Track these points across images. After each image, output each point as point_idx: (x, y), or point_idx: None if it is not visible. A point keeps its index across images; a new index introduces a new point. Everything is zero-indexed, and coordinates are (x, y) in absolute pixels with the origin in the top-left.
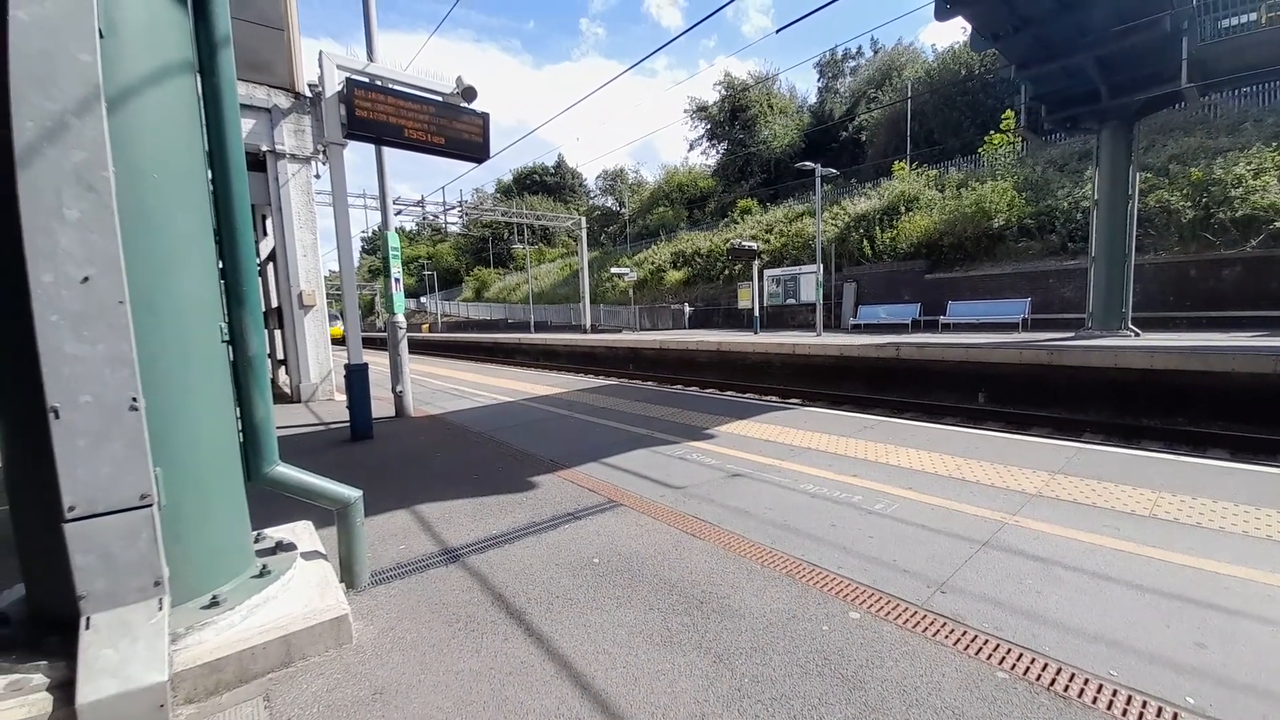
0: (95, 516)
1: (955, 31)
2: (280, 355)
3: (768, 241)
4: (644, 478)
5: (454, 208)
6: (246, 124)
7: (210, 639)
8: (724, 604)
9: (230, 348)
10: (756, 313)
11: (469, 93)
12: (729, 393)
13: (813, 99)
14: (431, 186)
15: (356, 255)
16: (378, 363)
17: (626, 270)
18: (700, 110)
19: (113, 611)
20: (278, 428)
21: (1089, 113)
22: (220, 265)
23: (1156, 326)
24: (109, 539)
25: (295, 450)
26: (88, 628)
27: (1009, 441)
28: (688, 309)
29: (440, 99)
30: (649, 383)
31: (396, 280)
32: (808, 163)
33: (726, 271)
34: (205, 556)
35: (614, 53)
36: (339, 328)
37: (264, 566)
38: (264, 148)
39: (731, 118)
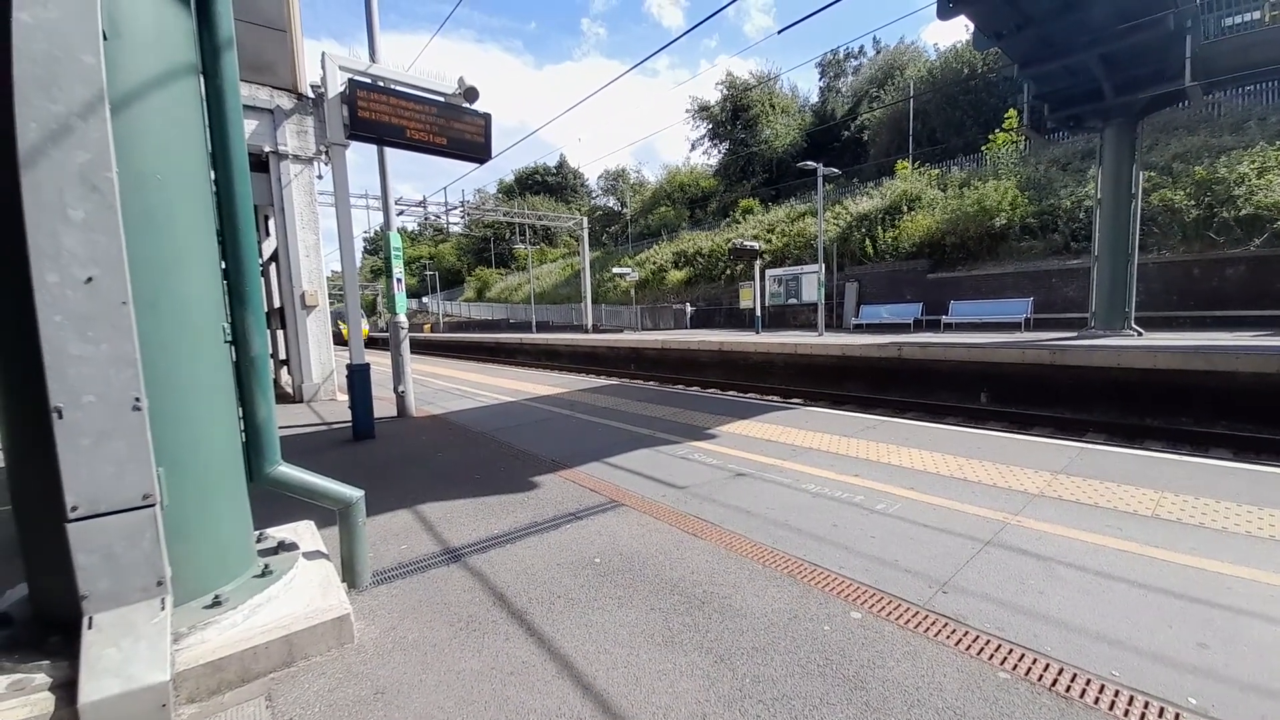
0: (98, 516)
1: (958, 30)
2: (283, 355)
3: (769, 241)
4: (646, 477)
5: (456, 208)
6: (249, 125)
7: (212, 638)
8: (725, 604)
9: (233, 348)
10: (758, 312)
11: (471, 93)
12: (731, 393)
13: (815, 98)
14: (433, 187)
15: (359, 255)
16: (379, 363)
17: (628, 270)
18: (702, 110)
19: (115, 611)
20: (280, 428)
21: (1092, 111)
22: (223, 265)
23: (1160, 326)
24: (111, 539)
25: (297, 450)
26: (90, 627)
27: (1011, 441)
28: (689, 309)
29: (442, 99)
30: (651, 383)
31: (398, 280)
32: (809, 162)
33: (728, 271)
34: (207, 556)
35: (615, 53)
36: (367, 328)
37: (266, 566)
38: (267, 148)
39: (733, 117)
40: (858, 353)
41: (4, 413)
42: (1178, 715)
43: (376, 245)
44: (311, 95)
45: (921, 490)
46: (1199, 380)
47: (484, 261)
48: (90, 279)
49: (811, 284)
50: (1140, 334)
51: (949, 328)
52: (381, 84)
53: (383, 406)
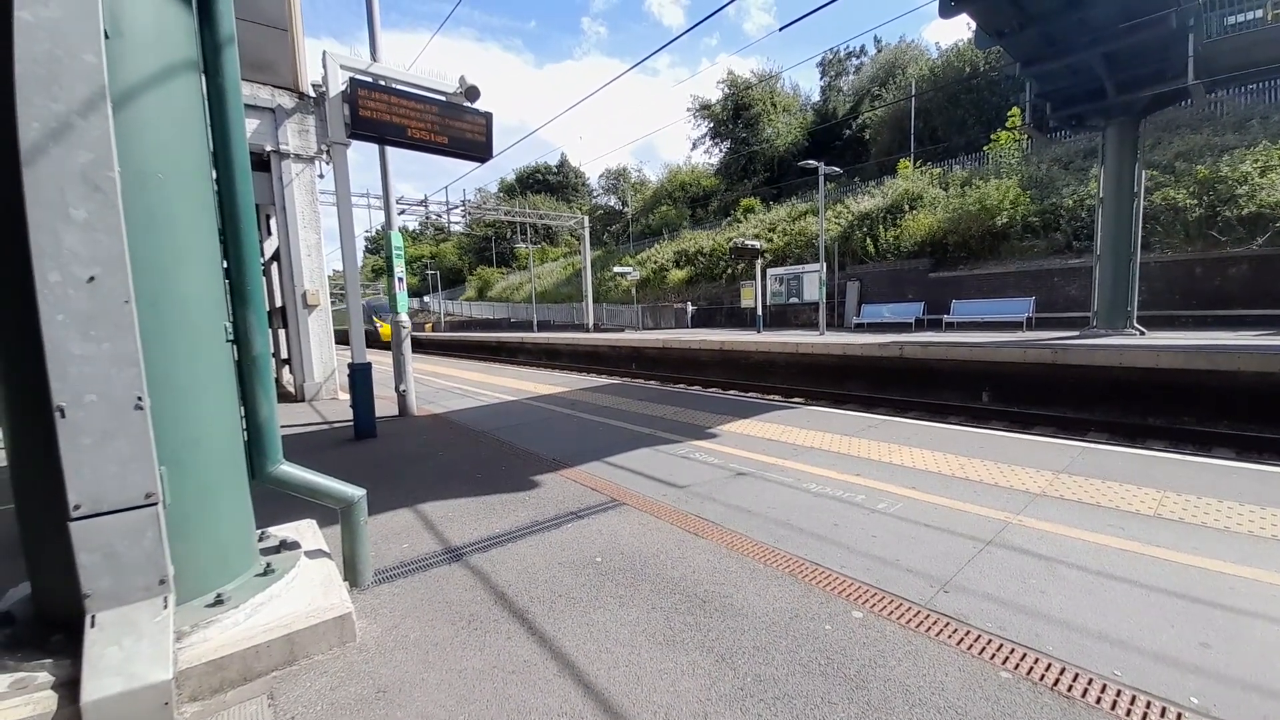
0: (100, 515)
1: (959, 29)
2: (284, 354)
3: (771, 240)
4: (647, 477)
5: (457, 207)
6: (251, 124)
7: (214, 637)
8: (727, 603)
9: (235, 347)
10: (759, 312)
11: (472, 92)
12: (732, 392)
13: (816, 97)
14: (435, 186)
15: (360, 255)
16: (381, 362)
17: (629, 269)
18: (703, 109)
19: (117, 610)
20: (281, 426)
21: (1094, 110)
22: (225, 265)
23: (1162, 325)
24: (114, 537)
25: (299, 449)
26: (93, 626)
27: (1013, 441)
28: (690, 308)
29: (443, 98)
30: (652, 382)
31: (400, 280)
32: (811, 161)
33: (729, 270)
34: (209, 555)
35: (616, 51)
36: (388, 326)
37: (268, 565)
38: (268, 148)
39: (734, 116)
40: (859, 352)
41: (7, 412)
42: (1180, 715)
43: (378, 244)
44: (313, 94)
45: (923, 490)
46: (1201, 380)
47: (485, 261)
48: (92, 278)
49: (813, 283)
50: (1142, 333)
51: (951, 327)
52: (383, 83)
53: (384, 405)
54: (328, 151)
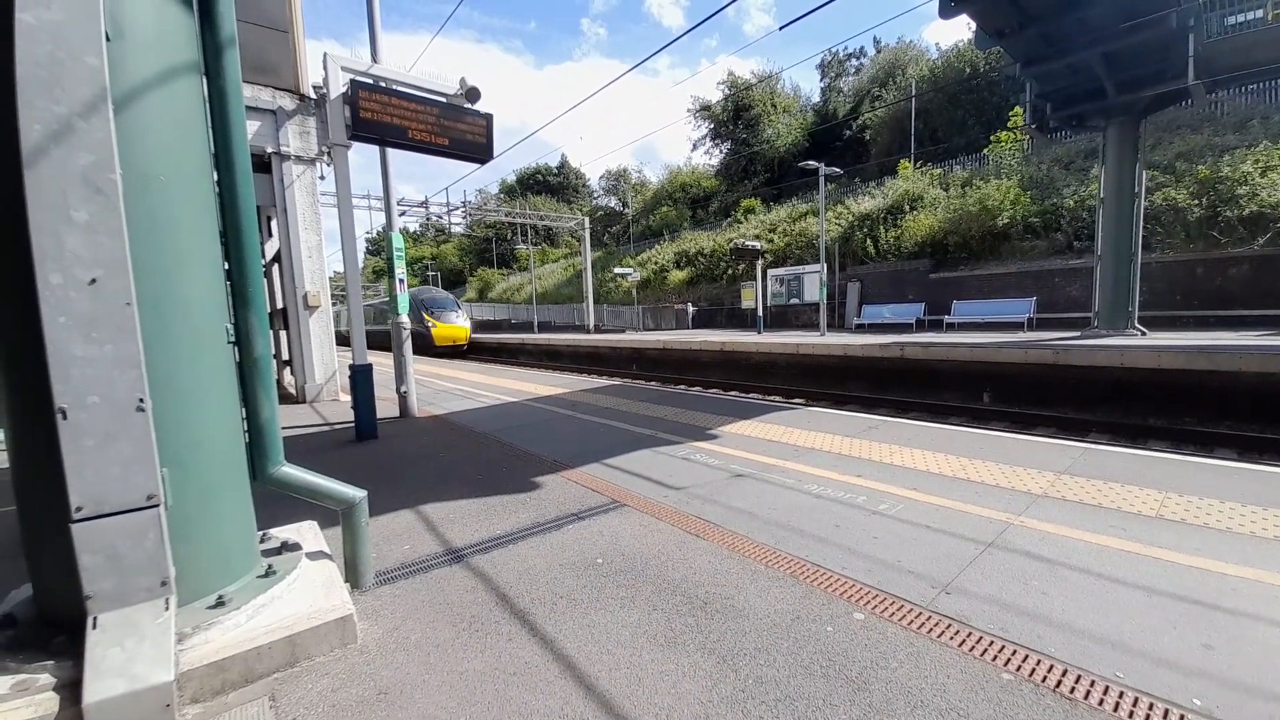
0: (102, 517)
1: (959, 29)
2: (285, 356)
3: (771, 241)
4: (648, 478)
5: (458, 208)
6: (252, 126)
7: (216, 639)
8: (728, 605)
9: (236, 349)
10: (760, 313)
11: (473, 93)
12: (733, 393)
13: (816, 98)
14: (435, 187)
15: (361, 256)
16: (382, 363)
17: (630, 270)
18: (703, 109)
19: (119, 611)
20: (283, 428)
21: (1095, 110)
22: (226, 266)
23: (1163, 325)
24: (116, 539)
25: (300, 450)
26: (94, 628)
27: (1014, 441)
28: (691, 309)
29: (444, 100)
30: (652, 383)
31: (401, 281)
32: (811, 162)
33: (730, 271)
34: (211, 556)
35: (615, 52)
36: (450, 326)
37: (269, 566)
38: (269, 149)
39: (735, 117)
40: (860, 353)
41: (9, 414)
42: (1182, 717)
43: (379, 246)
44: (314, 96)
45: (924, 491)
46: (1203, 380)
47: (486, 262)
48: (94, 280)
49: (813, 284)
50: (1143, 334)
51: (951, 328)
52: (383, 84)
53: (385, 407)
54: (329, 153)
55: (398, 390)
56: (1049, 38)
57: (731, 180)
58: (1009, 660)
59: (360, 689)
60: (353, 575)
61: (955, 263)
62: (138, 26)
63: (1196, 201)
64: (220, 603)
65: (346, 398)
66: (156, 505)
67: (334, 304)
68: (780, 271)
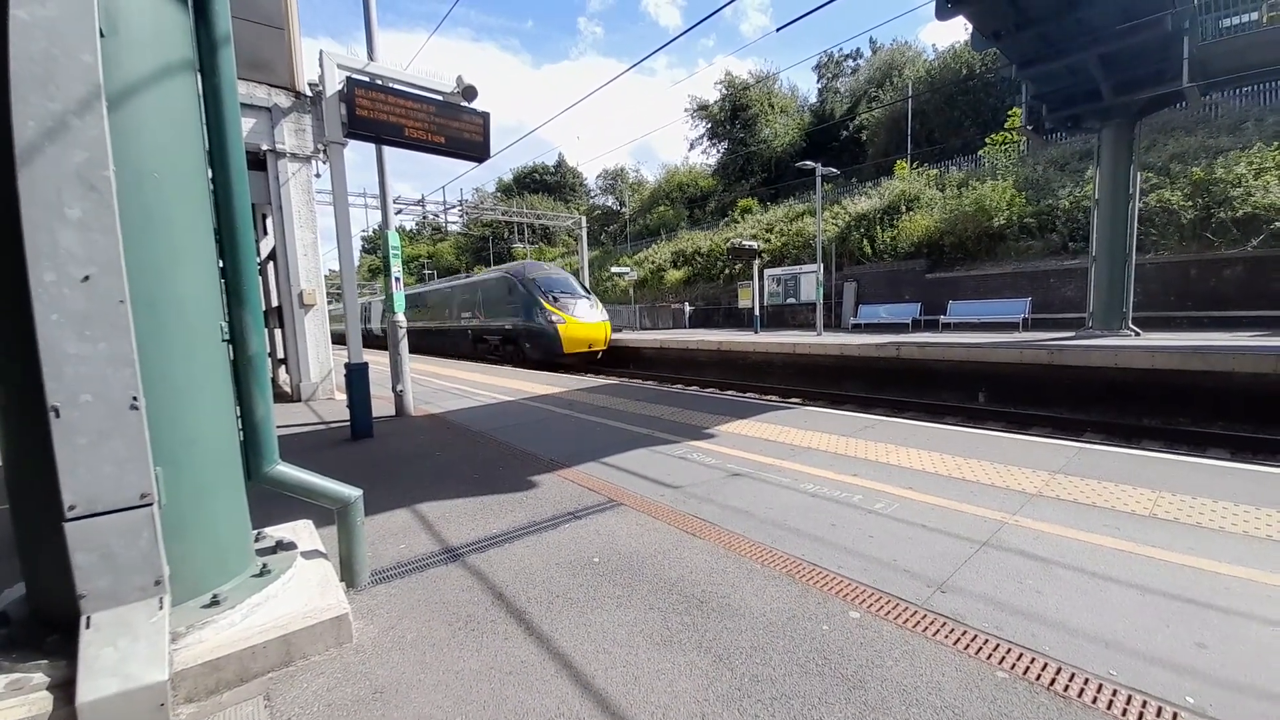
0: (96, 515)
1: (956, 30)
2: (280, 354)
3: (768, 241)
4: (644, 477)
5: (454, 207)
6: (247, 123)
7: (210, 638)
8: (724, 603)
9: (230, 347)
10: (757, 312)
11: (469, 92)
12: (729, 392)
13: (813, 98)
14: (432, 185)
15: (357, 254)
16: (378, 362)
17: (627, 269)
18: (701, 109)
19: (113, 610)
20: (278, 427)
21: (1090, 111)
22: (221, 264)
23: (1157, 326)
24: (109, 538)
25: (295, 449)
26: (88, 627)
27: (1010, 441)
28: (688, 308)
29: (440, 98)
30: (649, 382)
31: (397, 279)
32: (808, 162)
33: (727, 271)
34: (205, 555)
35: (612, 51)
36: (594, 324)
37: (264, 565)
38: (264, 147)
39: (732, 117)
40: (856, 352)
41: (1, 412)
42: (1175, 715)
43: (375, 244)
44: (309, 93)
45: (920, 490)
46: (1196, 380)
47: (483, 260)
48: (87, 278)
49: (810, 284)
50: (1138, 334)
51: (947, 328)
52: (380, 82)
53: (381, 406)
54: (324, 151)
55: (394, 389)
56: (1045, 39)
57: (729, 180)
58: (1004, 659)
59: (355, 688)
60: (348, 574)
61: (951, 263)
62: (132, 23)
63: (1191, 203)
64: (215, 602)
65: (342, 396)
66: (150, 504)
67: (330, 302)
68: (777, 271)
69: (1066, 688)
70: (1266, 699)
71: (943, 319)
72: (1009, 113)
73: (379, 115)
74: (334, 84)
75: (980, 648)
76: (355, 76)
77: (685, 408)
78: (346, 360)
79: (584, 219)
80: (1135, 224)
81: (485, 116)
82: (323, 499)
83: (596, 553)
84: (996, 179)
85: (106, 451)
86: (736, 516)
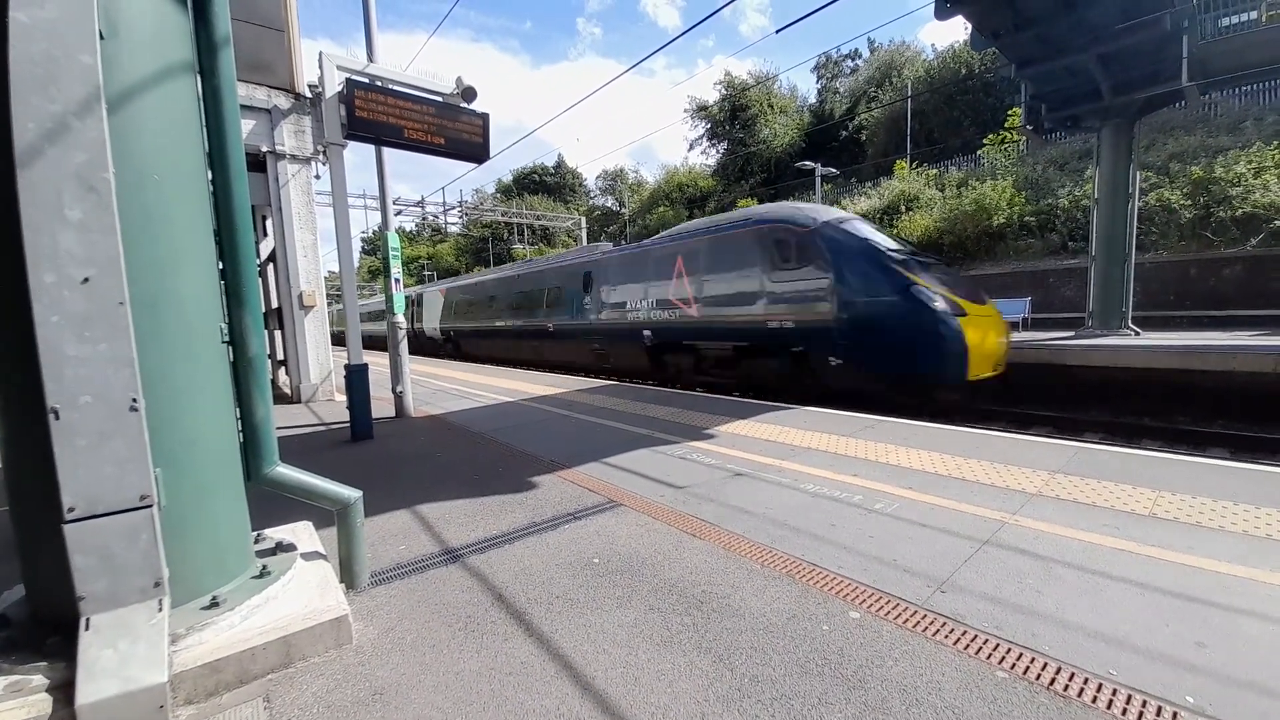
0: (95, 517)
1: (955, 30)
2: (280, 356)
3: None
4: (644, 477)
5: (454, 208)
6: (247, 125)
7: (210, 640)
8: (724, 604)
9: (230, 348)
10: None
11: (469, 93)
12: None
13: (813, 98)
14: (431, 187)
15: (356, 256)
16: (378, 363)
17: None
18: (701, 110)
19: (113, 612)
20: (278, 428)
21: (1090, 111)
22: (220, 266)
23: (1157, 325)
24: (109, 540)
25: (295, 450)
26: (88, 629)
27: (1009, 441)
28: None
29: (440, 99)
30: (649, 382)
31: (397, 281)
32: (808, 162)
33: None
34: (205, 557)
35: (611, 52)
36: None
37: (264, 567)
38: (264, 148)
39: (731, 117)
40: None
41: (1, 414)
42: (1176, 714)
43: (374, 245)
44: (309, 95)
45: (919, 490)
46: (1196, 379)
47: (482, 261)
48: (87, 279)
49: None
50: (1137, 333)
51: None
52: (379, 84)
53: (381, 407)
54: (324, 152)
55: (394, 390)
56: (1045, 39)
57: (728, 180)
58: (1004, 658)
59: (355, 689)
60: (348, 576)
61: (951, 263)
62: (132, 25)
63: (1190, 202)
64: (214, 603)
65: (342, 398)
66: (150, 505)
67: (330, 303)
68: None
69: (1066, 687)
70: (1267, 697)
71: None
72: (1008, 112)
73: (378, 116)
74: (333, 85)
75: (980, 647)
76: (355, 78)
77: (685, 408)
78: (346, 361)
79: (584, 220)
80: (1135, 223)
81: (485, 117)
82: (322, 500)
83: (596, 553)
84: (996, 178)
85: (106, 453)
86: (736, 517)
